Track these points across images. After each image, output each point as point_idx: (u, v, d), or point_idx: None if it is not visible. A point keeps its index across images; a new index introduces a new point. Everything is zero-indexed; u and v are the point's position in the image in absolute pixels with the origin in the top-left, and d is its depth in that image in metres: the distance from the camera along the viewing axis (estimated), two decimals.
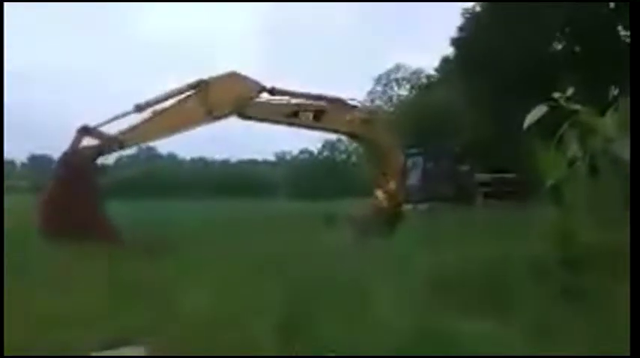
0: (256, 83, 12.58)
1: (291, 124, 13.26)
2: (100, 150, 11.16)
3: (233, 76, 12.36)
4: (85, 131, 10.93)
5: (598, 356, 3.34)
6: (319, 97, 13.30)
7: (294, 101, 13.00)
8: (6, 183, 36.24)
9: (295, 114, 13.03)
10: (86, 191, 10.58)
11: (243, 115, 12.60)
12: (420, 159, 21.68)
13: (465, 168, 22.76)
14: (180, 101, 11.68)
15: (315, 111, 13.07)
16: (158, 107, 11.46)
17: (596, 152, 3.05)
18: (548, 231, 5.01)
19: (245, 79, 12.52)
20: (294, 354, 3.60)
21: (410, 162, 18.27)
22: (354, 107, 13.89)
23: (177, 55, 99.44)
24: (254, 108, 12.60)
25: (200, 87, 11.71)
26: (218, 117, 12.05)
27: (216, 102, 11.80)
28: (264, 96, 12.76)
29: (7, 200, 16.31)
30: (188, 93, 11.74)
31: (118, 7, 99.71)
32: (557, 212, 3.79)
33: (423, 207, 18.05)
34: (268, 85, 12.86)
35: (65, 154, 10.86)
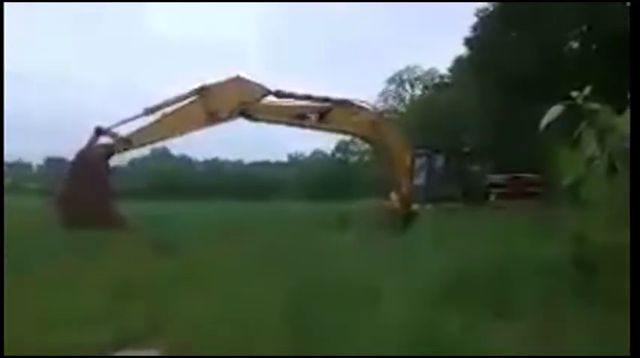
0: (260, 86, 13.05)
1: (297, 125, 13.50)
2: (112, 149, 12.03)
3: (237, 81, 12.90)
4: (99, 131, 11.84)
5: (599, 356, 3.28)
6: (325, 99, 13.50)
7: (299, 103, 13.21)
8: (18, 184, 36.75)
9: (301, 115, 13.24)
10: (98, 184, 11.52)
11: (249, 117, 13.11)
12: (426, 160, 21.53)
13: (475, 168, 22.53)
14: (184, 105, 12.41)
15: (320, 112, 13.27)
16: (165, 110, 12.25)
17: (614, 151, 2.98)
18: (564, 231, 4.94)
19: (248, 82, 13.03)
20: (303, 354, 3.57)
21: (418, 162, 18.14)
22: (362, 108, 13.96)
23: (188, 54, 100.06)
24: (259, 111, 13.11)
25: (204, 91, 12.41)
26: (221, 120, 12.66)
27: (219, 106, 12.47)
28: (271, 98, 13.01)
29: (17, 201, 16.60)
30: (193, 97, 12.43)
31: (121, 7, 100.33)
32: (575, 211, 3.73)
33: (427, 207, 17.85)
34: (278, 87, 13.19)
35: (81, 151, 11.74)
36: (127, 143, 12.09)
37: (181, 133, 12.66)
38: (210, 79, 12.81)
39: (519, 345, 3.60)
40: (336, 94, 13.73)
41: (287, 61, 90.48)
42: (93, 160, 11.69)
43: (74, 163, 11.93)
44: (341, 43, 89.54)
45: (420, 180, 19.06)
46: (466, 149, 23.51)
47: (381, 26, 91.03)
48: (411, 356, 3.43)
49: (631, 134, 2.80)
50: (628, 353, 2.46)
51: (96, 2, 77.47)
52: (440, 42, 75.35)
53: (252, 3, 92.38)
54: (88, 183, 11.35)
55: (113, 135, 11.98)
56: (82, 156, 11.75)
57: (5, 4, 8.26)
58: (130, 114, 12.29)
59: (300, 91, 13.47)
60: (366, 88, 75.27)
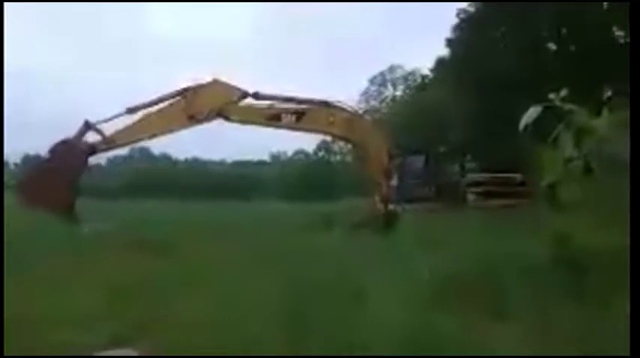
0: (238, 89, 13.62)
1: (273, 126, 13.99)
2: (95, 148, 12.65)
3: (216, 84, 13.50)
4: (88, 125, 12.46)
5: (598, 356, 3.33)
6: (302, 100, 13.95)
7: (276, 104, 13.72)
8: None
9: (277, 116, 13.63)
10: (66, 172, 12.10)
11: (227, 119, 13.66)
12: (401, 161, 21.53)
13: (453, 167, 22.65)
14: (165, 106, 13.09)
15: (296, 113, 13.70)
16: (147, 111, 12.91)
17: (590, 152, 3.05)
18: (542, 231, 5.00)
19: (227, 85, 13.62)
20: (292, 354, 3.58)
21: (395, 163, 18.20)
22: (340, 109, 14.34)
23: (188, 55, 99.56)
24: (236, 112, 13.69)
25: (184, 94, 13.09)
26: (200, 121, 13.28)
27: (197, 108, 13.11)
28: (249, 100, 13.76)
29: None
30: (175, 99, 13.08)
31: (121, 7, 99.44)
32: (554, 212, 3.80)
33: (406, 207, 17.86)
34: (261, 88, 13.90)
35: (63, 141, 12.33)
36: (109, 142, 12.62)
37: (162, 133, 13.19)
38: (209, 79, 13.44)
39: (511, 346, 3.63)
40: (326, 94, 14.13)
41: (284, 59, 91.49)
42: (71, 151, 12.23)
43: (53, 150, 12.34)
44: (334, 43, 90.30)
45: (393, 181, 19.07)
46: (442, 149, 23.53)
47: (370, 25, 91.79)
48: (406, 356, 3.44)
49: (631, 134, 2.85)
50: (628, 353, 2.49)
51: (95, 2, 76.79)
52: (422, 42, 75.86)
53: (250, 3, 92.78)
54: (57, 170, 11.88)
55: (99, 132, 12.48)
56: (62, 145, 12.27)
57: (5, 4, 8.30)
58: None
59: (294, 90, 14.09)
60: (349, 88, 76.07)
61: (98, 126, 12.54)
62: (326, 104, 14.21)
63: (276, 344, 3.69)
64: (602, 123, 3.06)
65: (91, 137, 12.66)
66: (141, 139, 13.91)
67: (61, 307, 4.64)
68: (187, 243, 9.05)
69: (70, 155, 12.15)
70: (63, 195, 11.77)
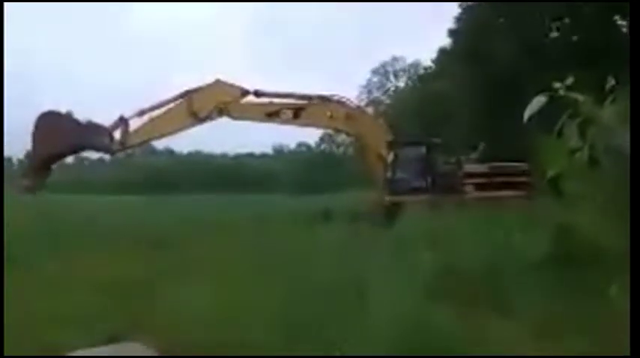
0: (239, 88, 14.26)
1: (273, 122, 14.41)
2: (112, 150, 13.55)
3: (217, 84, 14.14)
4: (121, 120, 13.40)
5: (598, 356, 3.30)
6: (302, 96, 14.27)
7: (276, 101, 14.09)
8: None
9: (276, 113, 14.27)
10: (54, 156, 13.05)
11: (229, 116, 14.23)
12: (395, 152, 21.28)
13: (450, 159, 22.29)
14: (172, 108, 13.84)
15: (294, 109, 13.97)
16: (153, 113, 13.64)
17: (595, 143, 2.98)
18: (542, 224, 4.96)
19: (228, 85, 14.25)
20: (293, 353, 3.55)
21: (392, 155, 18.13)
22: (339, 103, 14.58)
23: (177, 52, 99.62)
24: (237, 110, 14.30)
25: (189, 95, 13.80)
26: (204, 120, 13.96)
27: (199, 108, 13.80)
28: (250, 98, 14.37)
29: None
30: (180, 100, 13.80)
31: (114, 5, 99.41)
32: (556, 204, 3.75)
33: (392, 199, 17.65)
34: (262, 84, 14.19)
35: (99, 127, 13.15)
36: (120, 144, 13.45)
37: (170, 133, 14.01)
38: (208, 78, 14.14)
39: (512, 342, 3.60)
40: (328, 86, 14.55)
41: (284, 53, 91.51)
42: (99, 136, 13.01)
43: (86, 129, 12.96)
44: (325, 35, 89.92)
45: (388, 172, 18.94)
46: (436, 140, 23.25)
47: (367, 17, 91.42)
48: (407, 356, 3.41)
49: (631, 134, 2.80)
50: (628, 353, 2.46)
51: (91, 2, 76.90)
52: (424, 33, 75.67)
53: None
54: (51, 150, 12.68)
55: (126, 130, 13.31)
56: (95, 127, 13.04)
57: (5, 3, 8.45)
58: (125, 115, 13.63)
59: (295, 84, 14.58)
60: (352, 80, 76.17)
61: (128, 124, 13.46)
62: (325, 99, 14.54)
63: (274, 337, 3.66)
64: (608, 112, 3.00)
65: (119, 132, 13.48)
66: (150, 140, 14.90)
67: (62, 304, 4.65)
68: (191, 241, 9.08)
69: (90, 138, 12.76)
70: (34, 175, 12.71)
